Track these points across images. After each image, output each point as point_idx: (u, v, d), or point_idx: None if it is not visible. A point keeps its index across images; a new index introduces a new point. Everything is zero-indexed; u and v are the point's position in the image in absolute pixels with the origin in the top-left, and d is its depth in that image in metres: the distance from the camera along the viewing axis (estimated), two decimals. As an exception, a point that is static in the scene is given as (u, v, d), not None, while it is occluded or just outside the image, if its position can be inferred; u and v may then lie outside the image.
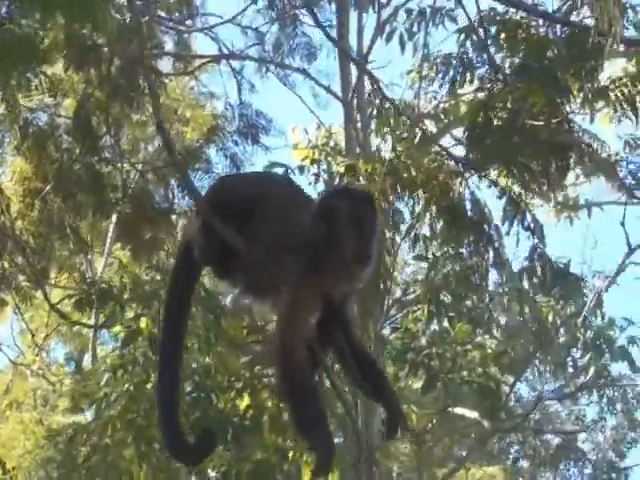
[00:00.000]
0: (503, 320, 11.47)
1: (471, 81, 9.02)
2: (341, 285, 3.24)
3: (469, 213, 9.10)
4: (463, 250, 9.13)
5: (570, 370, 11.86)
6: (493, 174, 9.13)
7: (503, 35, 8.87)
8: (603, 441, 14.05)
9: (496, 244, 9.10)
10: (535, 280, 9.32)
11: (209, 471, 9.63)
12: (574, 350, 11.07)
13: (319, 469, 3.01)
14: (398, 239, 9.40)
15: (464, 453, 13.44)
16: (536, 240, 9.28)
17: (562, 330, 11.04)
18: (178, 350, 3.48)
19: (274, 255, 3.18)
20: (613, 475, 14.77)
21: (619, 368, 12.02)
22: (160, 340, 3.70)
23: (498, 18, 8.76)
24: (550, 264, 9.37)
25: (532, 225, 9.18)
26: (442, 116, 11.08)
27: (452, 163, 9.19)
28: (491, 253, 9.12)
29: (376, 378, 3.35)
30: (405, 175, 8.77)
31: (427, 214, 9.06)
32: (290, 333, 3.12)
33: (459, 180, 9.11)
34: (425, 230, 9.61)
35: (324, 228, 3.14)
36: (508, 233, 9.08)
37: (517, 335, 11.06)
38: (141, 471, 9.22)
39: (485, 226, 9.07)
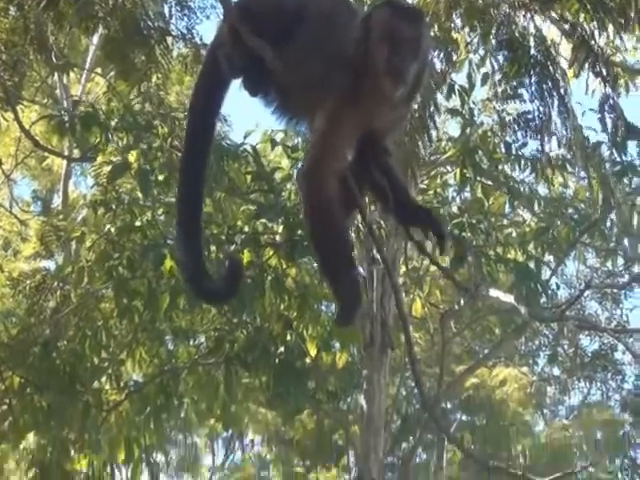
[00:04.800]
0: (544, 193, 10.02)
1: None
2: (377, 108, 2.89)
3: (532, 51, 7.67)
4: (524, 91, 7.71)
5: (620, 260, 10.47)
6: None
7: None
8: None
9: (562, 90, 7.65)
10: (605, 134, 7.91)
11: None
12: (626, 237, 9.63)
13: (341, 319, 2.79)
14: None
15: (486, 350, 12.04)
16: (608, 89, 7.83)
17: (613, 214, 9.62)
18: (201, 179, 3.22)
19: (313, 70, 2.88)
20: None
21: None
22: (181, 164, 3.38)
23: None
24: (623, 118, 7.92)
25: (604, 71, 7.72)
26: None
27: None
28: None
29: (412, 203, 3.09)
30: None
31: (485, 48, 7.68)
32: (322, 158, 2.82)
33: (523, 13, 7.67)
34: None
35: (364, 45, 2.82)
36: (577, 76, 7.64)
37: (561, 211, 9.62)
38: (121, 328, 7.86)
39: (550, 67, 7.62)
